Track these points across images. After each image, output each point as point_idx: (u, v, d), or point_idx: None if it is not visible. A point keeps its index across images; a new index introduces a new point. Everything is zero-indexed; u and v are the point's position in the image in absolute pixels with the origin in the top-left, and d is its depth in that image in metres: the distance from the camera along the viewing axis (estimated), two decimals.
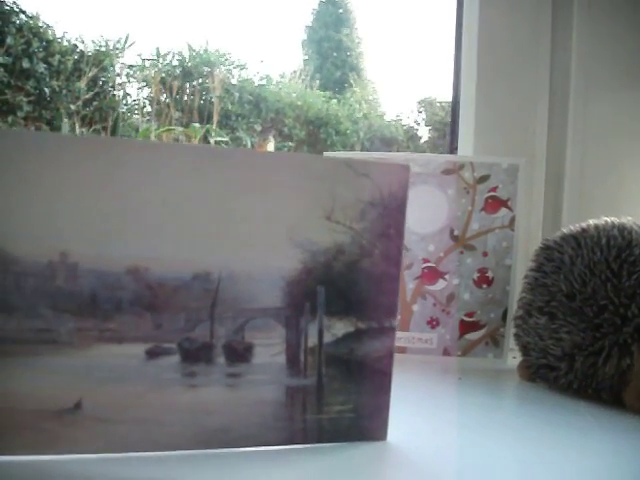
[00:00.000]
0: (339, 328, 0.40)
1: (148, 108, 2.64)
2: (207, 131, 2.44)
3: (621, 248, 0.54)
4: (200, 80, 2.65)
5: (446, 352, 0.67)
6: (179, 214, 0.37)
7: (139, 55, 2.59)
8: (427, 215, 0.66)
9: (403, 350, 0.67)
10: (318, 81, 2.87)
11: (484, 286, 0.66)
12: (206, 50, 2.69)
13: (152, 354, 0.38)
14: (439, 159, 0.67)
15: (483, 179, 0.66)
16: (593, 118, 0.71)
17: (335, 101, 2.73)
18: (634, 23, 0.71)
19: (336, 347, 0.41)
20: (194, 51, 2.67)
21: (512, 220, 0.66)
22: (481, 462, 0.40)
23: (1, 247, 0.35)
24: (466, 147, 0.74)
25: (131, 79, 2.64)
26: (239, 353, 0.39)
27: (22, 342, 0.36)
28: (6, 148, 0.35)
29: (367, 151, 2.65)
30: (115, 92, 2.49)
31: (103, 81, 2.50)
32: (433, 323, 0.67)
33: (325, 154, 0.69)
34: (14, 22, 2.17)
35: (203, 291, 0.38)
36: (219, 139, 2.48)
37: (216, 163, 0.38)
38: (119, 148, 0.38)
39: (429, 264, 0.67)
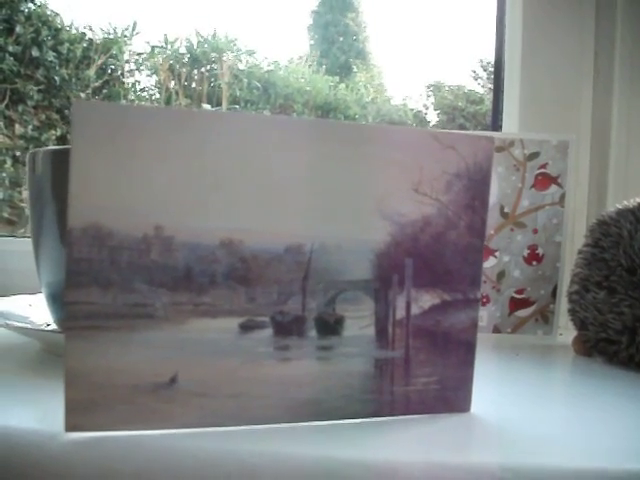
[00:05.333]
0: (426, 300, 0.40)
1: (157, 95, 2.62)
2: None
3: None
4: (208, 67, 2.63)
5: (496, 329, 0.67)
6: (271, 187, 0.37)
7: (147, 42, 2.57)
8: None
9: None
10: (324, 66, 2.86)
11: (534, 263, 0.66)
12: (214, 36, 2.67)
13: (246, 328, 0.38)
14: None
15: (533, 156, 0.66)
16: (638, 93, 0.71)
17: (343, 86, 2.71)
18: None
19: (423, 319, 0.41)
20: (202, 37, 2.65)
21: (562, 197, 0.66)
22: (556, 428, 0.41)
23: (96, 221, 0.35)
24: (511, 125, 0.73)
25: (140, 66, 2.63)
26: (330, 326, 0.39)
27: (117, 317, 0.36)
28: (98, 121, 0.35)
29: None
30: (124, 80, 2.48)
31: (112, 69, 2.48)
32: (483, 300, 0.67)
33: None
34: (22, 11, 2.15)
35: (295, 264, 0.38)
36: None
37: (305, 135, 0.38)
38: (212, 120, 0.37)
39: None
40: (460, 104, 2.53)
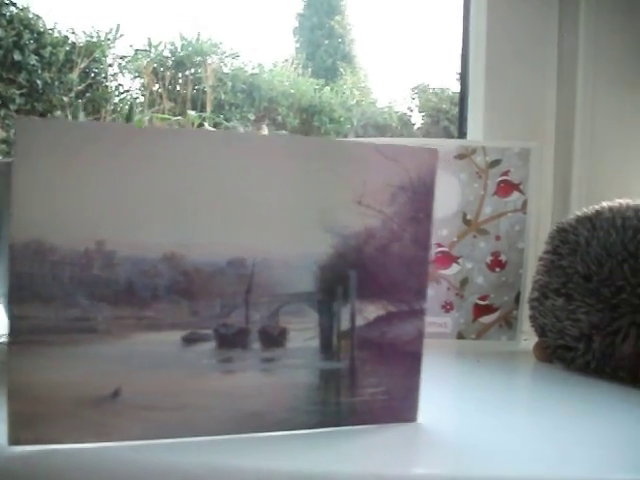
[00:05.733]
0: (371, 311, 0.41)
1: (141, 99, 2.62)
2: (203, 119, 2.43)
3: (637, 229, 0.54)
4: (193, 70, 2.63)
5: (460, 335, 0.68)
6: (213, 201, 0.38)
7: (131, 45, 2.56)
8: (440, 200, 0.66)
9: None
10: (310, 69, 2.86)
11: (497, 269, 0.67)
12: (198, 39, 2.67)
13: (189, 341, 0.38)
14: (451, 144, 0.68)
15: (495, 163, 0.67)
16: (601, 100, 0.72)
17: (328, 89, 2.72)
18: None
19: (368, 330, 0.41)
20: (186, 40, 2.65)
21: (524, 204, 0.67)
22: (505, 437, 0.41)
23: (38, 236, 0.36)
24: (475, 132, 0.74)
25: (123, 70, 2.62)
26: (274, 338, 0.39)
27: (60, 331, 0.37)
28: (42, 137, 0.35)
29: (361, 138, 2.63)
30: (107, 83, 2.47)
31: (95, 72, 2.48)
32: (447, 307, 0.68)
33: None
34: (4, 14, 2.14)
35: (238, 277, 0.38)
36: (215, 125, 2.46)
37: (248, 149, 0.39)
38: (153, 136, 0.38)
39: (443, 249, 0.67)
40: (444, 106, 2.53)
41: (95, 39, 2.49)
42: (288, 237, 0.39)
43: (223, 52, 2.75)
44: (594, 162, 0.72)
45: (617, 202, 0.58)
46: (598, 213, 0.58)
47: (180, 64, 2.60)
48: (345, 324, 0.41)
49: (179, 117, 2.46)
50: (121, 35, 2.55)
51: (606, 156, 0.72)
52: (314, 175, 0.39)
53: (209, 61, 2.68)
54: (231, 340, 0.39)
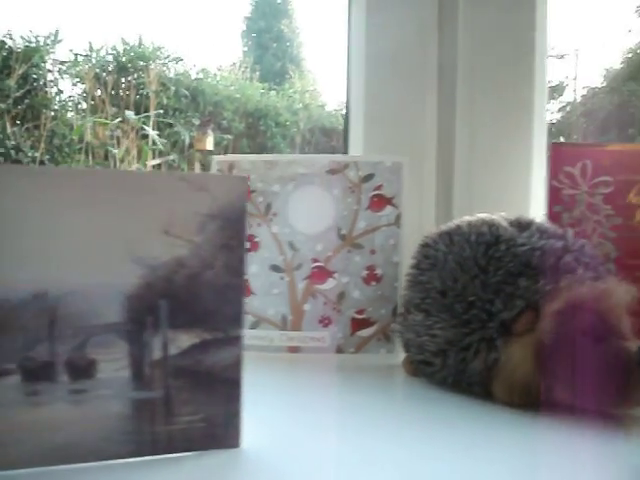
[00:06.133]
0: (184, 340, 0.41)
1: (83, 104, 2.59)
2: (144, 123, 2.42)
3: (489, 244, 0.55)
4: (135, 75, 2.61)
5: (339, 350, 0.68)
6: (14, 233, 0.38)
7: (71, 50, 2.54)
8: (313, 215, 0.68)
9: (297, 350, 0.68)
10: (258, 72, 2.86)
11: (373, 283, 0.68)
12: (140, 44, 2.65)
13: None
14: (324, 159, 0.68)
15: (367, 178, 0.68)
16: (480, 115, 0.73)
17: (274, 93, 2.72)
18: (517, 20, 0.73)
19: (182, 359, 0.41)
20: (128, 45, 2.63)
21: (398, 217, 0.68)
22: (332, 463, 0.42)
23: None
24: (356, 147, 0.75)
25: (64, 75, 2.59)
26: (82, 369, 0.40)
27: None
28: None
29: (308, 142, 2.66)
30: (47, 89, 2.45)
31: (34, 78, 2.44)
32: (325, 322, 0.68)
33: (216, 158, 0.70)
34: None
35: (41, 310, 0.38)
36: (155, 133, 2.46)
37: (51, 182, 0.39)
38: None
39: (318, 264, 0.68)
40: None
41: (33, 44, 2.46)
42: (94, 269, 0.39)
43: (166, 56, 2.73)
44: (474, 175, 0.74)
45: (476, 217, 0.59)
46: (457, 228, 0.59)
47: (122, 69, 2.58)
48: (157, 353, 0.41)
49: (118, 120, 2.43)
50: (61, 40, 2.52)
51: (486, 169, 0.73)
52: (120, 207, 0.40)
53: (152, 66, 2.66)
54: (36, 373, 0.39)
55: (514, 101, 0.73)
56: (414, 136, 0.73)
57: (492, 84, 0.73)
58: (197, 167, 2.59)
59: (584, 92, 2.49)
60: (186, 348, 0.41)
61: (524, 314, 0.52)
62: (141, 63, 2.54)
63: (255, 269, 0.69)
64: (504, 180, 0.73)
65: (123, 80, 2.51)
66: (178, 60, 2.70)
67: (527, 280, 0.53)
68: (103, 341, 0.40)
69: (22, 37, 2.42)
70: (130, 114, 2.31)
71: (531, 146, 0.72)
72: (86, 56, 2.53)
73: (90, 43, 2.53)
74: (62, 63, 2.52)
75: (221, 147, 2.63)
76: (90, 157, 2.41)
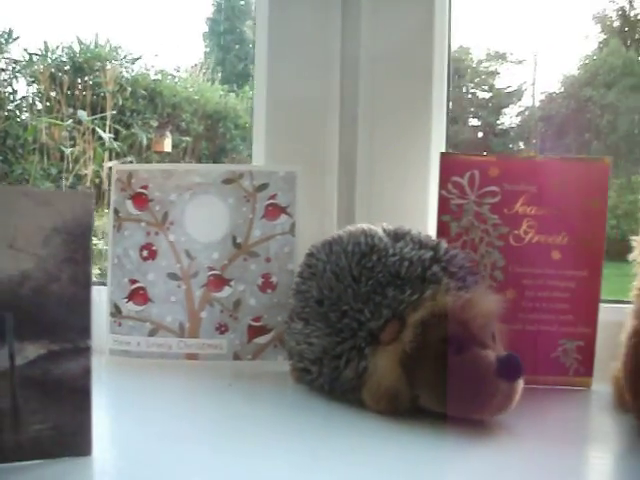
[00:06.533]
0: (31, 351, 0.42)
1: (38, 105, 2.58)
2: (97, 125, 2.41)
3: (363, 254, 0.57)
4: (92, 75, 2.60)
5: (237, 356, 0.70)
6: None
7: (25, 50, 2.52)
8: (209, 224, 0.69)
9: (194, 357, 0.70)
10: (220, 74, 2.86)
11: (269, 291, 0.70)
12: (97, 44, 2.64)
13: None
14: (219, 169, 0.70)
15: (262, 187, 0.69)
16: (381, 126, 0.75)
17: (234, 95, 2.73)
18: (417, 30, 0.75)
19: (30, 369, 0.43)
20: (84, 45, 2.62)
21: (292, 226, 0.70)
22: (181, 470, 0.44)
23: None
24: (259, 156, 0.77)
25: (18, 75, 2.58)
26: None
27: None
28: None
29: None
30: (0, 89, 2.43)
31: None
32: (222, 329, 0.70)
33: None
34: None
35: None
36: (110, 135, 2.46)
37: None
38: None
39: (214, 272, 0.69)
40: None
41: None
42: None
43: (124, 57, 2.72)
44: (375, 185, 0.75)
45: (358, 227, 0.61)
46: (338, 238, 0.61)
47: (79, 69, 2.57)
48: (3, 364, 0.42)
49: (70, 121, 2.42)
50: (14, 39, 2.50)
51: (386, 179, 0.75)
52: None
53: (109, 66, 2.66)
54: None
55: (413, 113, 0.75)
56: (316, 146, 0.75)
57: (392, 96, 0.75)
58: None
59: (542, 97, 2.53)
60: (33, 359, 0.43)
61: (390, 323, 0.53)
62: (98, 63, 2.53)
63: (153, 277, 0.70)
64: (403, 189, 0.75)
65: (79, 80, 2.50)
66: (135, 60, 2.69)
67: (394, 290, 0.54)
68: None
69: None
70: (82, 114, 2.31)
71: (429, 157, 0.74)
72: (41, 56, 2.52)
73: (45, 42, 2.52)
74: (16, 62, 2.50)
75: (180, 149, 2.63)
76: (45, 158, 2.40)
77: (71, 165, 2.34)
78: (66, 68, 2.58)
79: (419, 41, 0.75)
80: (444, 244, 0.58)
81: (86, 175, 2.41)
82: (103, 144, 2.40)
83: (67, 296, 0.43)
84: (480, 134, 2.74)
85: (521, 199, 0.66)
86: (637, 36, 2.30)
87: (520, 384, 0.52)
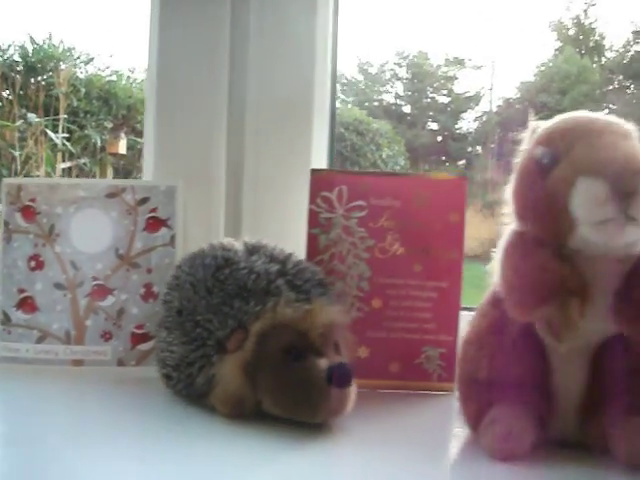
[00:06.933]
0: None
1: None
2: (49, 126, 2.44)
3: (218, 267, 0.63)
4: (45, 75, 2.63)
5: (121, 363, 0.75)
6: None
7: None
8: (93, 236, 0.74)
9: (80, 363, 0.75)
10: None
11: (150, 300, 0.75)
12: (50, 44, 2.67)
13: None
14: (103, 183, 0.75)
15: (143, 201, 0.75)
16: (265, 143, 0.80)
17: None
18: (300, 54, 0.80)
19: None
20: (37, 45, 2.65)
21: (172, 238, 0.75)
22: None
23: None
24: (148, 172, 0.82)
25: None
26: None
27: None
28: None
29: None
30: None
31: None
32: (106, 336, 0.75)
33: None
34: None
35: None
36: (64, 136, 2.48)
37: None
38: None
39: (98, 282, 0.74)
40: None
41: None
42: None
43: (77, 57, 2.75)
44: (259, 200, 0.81)
45: (220, 241, 0.66)
46: (201, 251, 0.66)
47: (31, 69, 2.60)
48: None
49: (21, 122, 2.45)
50: None
51: (270, 192, 0.80)
52: None
53: (62, 66, 2.69)
54: None
55: (295, 130, 0.81)
56: (203, 160, 0.80)
57: (276, 114, 0.80)
58: (109, 171, 2.63)
59: (499, 102, 2.60)
60: None
61: (235, 333, 0.59)
62: (51, 64, 2.56)
63: (40, 287, 0.75)
64: (286, 203, 0.80)
65: (32, 80, 2.54)
66: (89, 61, 2.73)
67: (240, 301, 0.60)
68: None
69: None
70: (32, 117, 2.34)
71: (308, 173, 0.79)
72: None
73: None
74: None
75: (135, 151, 2.67)
76: None
77: (21, 167, 2.37)
78: (18, 68, 2.61)
79: (301, 53, 0.80)
80: (294, 258, 0.64)
81: (38, 176, 2.44)
82: (56, 145, 2.43)
83: None
84: (439, 138, 2.81)
85: (386, 213, 0.72)
86: (591, 44, 2.36)
87: (352, 391, 0.57)
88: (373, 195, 0.72)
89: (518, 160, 0.56)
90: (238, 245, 0.65)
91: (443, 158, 2.79)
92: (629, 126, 0.53)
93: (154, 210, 0.75)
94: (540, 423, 0.54)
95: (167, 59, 0.80)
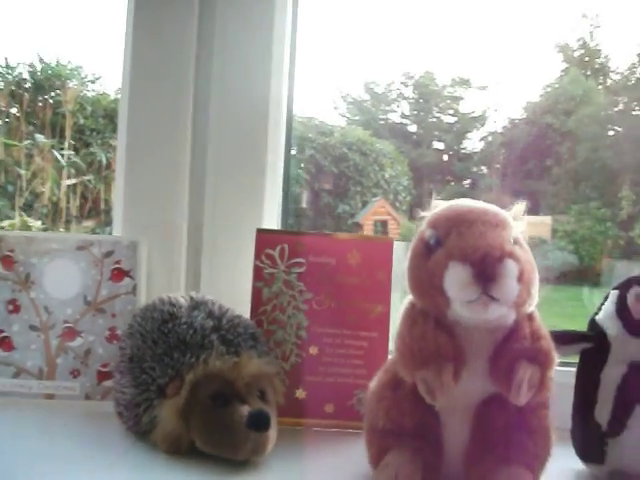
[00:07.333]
0: None
1: None
2: (55, 145, 2.59)
3: (164, 321, 0.75)
4: (52, 93, 2.79)
5: (88, 397, 0.88)
6: None
7: None
8: (64, 284, 0.87)
9: (52, 397, 0.88)
10: None
11: (114, 341, 0.88)
12: (58, 63, 2.83)
13: None
14: (74, 237, 0.89)
15: (109, 254, 0.88)
16: (225, 195, 0.93)
17: None
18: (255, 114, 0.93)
19: None
20: (45, 63, 2.81)
21: (134, 287, 0.88)
22: None
23: None
24: (118, 226, 0.95)
25: None
26: None
27: None
28: None
29: None
30: None
31: None
32: (75, 373, 0.88)
33: None
34: None
35: None
36: (68, 152, 2.64)
37: None
38: None
39: (68, 324, 0.88)
40: (310, 135, 2.75)
41: None
42: None
43: (84, 76, 2.91)
44: (218, 250, 0.94)
45: (168, 296, 0.79)
46: (152, 304, 0.79)
47: (39, 87, 2.76)
48: None
49: (28, 142, 2.62)
50: None
51: (224, 248, 0.93)
52: None
53: (69, 85, 2.85)
54: None
55: (250, 188, 0.93)
56: (168, 217, 0.93)
57: (234, 178, 0.93)
58: (114, 188, 2.78)
59: (505, 123, 2.69)
60: None
61: (173, 381, 0.71)
62: (58, 82, 2.72)
63: (17, 328, 0.89)
64: (237, 258, 0.93)
65: (40, 98, 2.70)
66: (96, 79, 2.88)
67: (178, 353, 0.72)
68: None
69: None
70: (40, 138, 2.50)
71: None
72: (1, 73, 2.71)
73: (6, 59, 2.71)
74: None
75: None
76: (3, 175, 2.58)
77: (27, 183, 2.52)
78: (27, 86, 2.77)
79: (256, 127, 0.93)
80: (230, 314, 0.76)
81: (43, 192, 2.60)
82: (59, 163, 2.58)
83: None
84: (445, 157, 2.91)
85: (323, 269, 0.84)
86: (597, 66, 2.44)
87: (270, 434, 0.69)
88: (311, 253, 0.85)
89: (414, 238, 0.67)
90: (183, 301, 0.78)
91: (448, 178, 2.88)
92: (503, 215, 0.64)
93: (118, 262, 0.88)
94: (429, 467, 0.65)
95: (136, 118, 0.93)
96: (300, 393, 0.84)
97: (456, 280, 0.60)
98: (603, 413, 0.70)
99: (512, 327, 0.63)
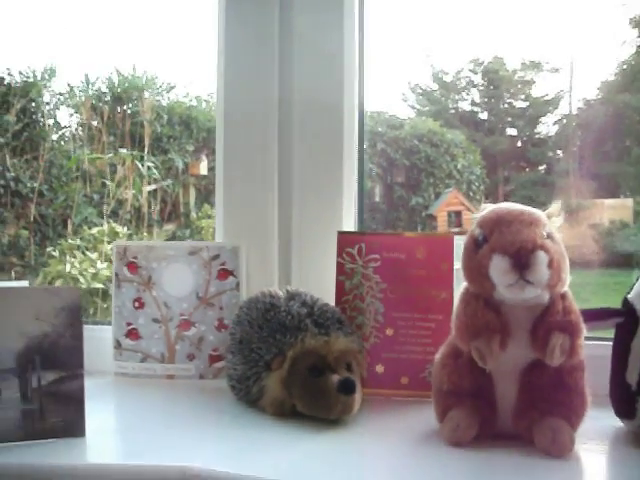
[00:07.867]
0: (50, 376, 0.87)
1: (81, 134, 3.10)
2: (137, 157, 2.91)
3: (266, 310, 1.00)
4: (130, 104, 3.10)
5: (202, 377, 1.14)
6: None
7: (68, 84, 3.05)
8: (179, 283, 1.13)
9: (172, 377, 1.14)
10: None
11: (223, 330, 1.13)
12: (134, 74, 3.14)
13: None
14: (186, 244, 1.15)
15: (215, 257, 1.13)
16: (311, 206, 1.17)
17: None
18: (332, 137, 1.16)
19: (49, 387, 0.87)
20: (122, 76, 3.12)
21: (238, 284, 1.13)
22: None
23: None
24: (219, 233, 1.20)
25: (61, 107, 3.10)
26: None
27: None
28: None
29: None
30: (44, 121, 2.96)
31: (32, 111, 2.96)
32: (191, 357, 1.14)
33: None
34: None
35: None
36: (149, 164, 2.94)
37: None
38: None
39: (184, 317, 1.14)
40: (380, 129, 2.96)
41: (31, 79, 2.99)
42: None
43: (159, 86, 3.22)
44: (305, 252, 1.18)
45: (269, 289, 1.04)
46: (255, 297, 1.03)
47: (117, 99, 3.08)
48: (35, 384, 0.87)
49: (111, 155, 2.94)
50: (57, 73, 3.03)
51: (312, 248, 1.17)
52: (10, 302, 0.86)
53: (146, 95, 3.16)
54: None
55: (329, 203, 1.17)
56: (261, 224, 1.18)
57: (315, 185, 1.17)
58: (192, 191, 3.07)
59: (580, 104, 2.79)
60: (52, 380, 0.87)
61: (277, 357, 0.96)
62: (135, 93, 3.03)
63: (142, 321, 1.15)
64: (322, 256, 1.16)
65: (118, 110, 3.01)
66: (171, 89, 3.18)
67: (280, 335, 0.97)
68: (4, 378, 0.86)
69: (20, 72, 2.94)
70: (123, 151, 2.81)
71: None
72: (82, 87, 3.04)
73: (86, 75, 3.04)
74: (60, 95, 3.03)
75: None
76: (88, 185, 2.90)
77: (112, 192, 2.82)
78: (106, 99, 3.09)
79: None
80: (320, 302, 1.00)
81: (126, 200, 2.91)
82: (140, 171, 2.87)
83: (69, 346, 0.87)
84: (518, 143, 3.05)
85: (395, 263, 1.07)
86: None
87: (356, 397, 0.92)
88: (384, 250, 1.08)
89: (467, 236, 0.89)
90: (281, 293, 1.02)
91: (522, 164, 3.02)
92: (537, 215, 0.86)
93: (223, 264, 1.13)
94: (484, 421, 0.87)
95: (231, 134, 1.18)
96: (379, 368, 1.07)
97: (498, 268, 0.82)
98: (633, 375, 0.89)
99: (547, 305, 0.85)
